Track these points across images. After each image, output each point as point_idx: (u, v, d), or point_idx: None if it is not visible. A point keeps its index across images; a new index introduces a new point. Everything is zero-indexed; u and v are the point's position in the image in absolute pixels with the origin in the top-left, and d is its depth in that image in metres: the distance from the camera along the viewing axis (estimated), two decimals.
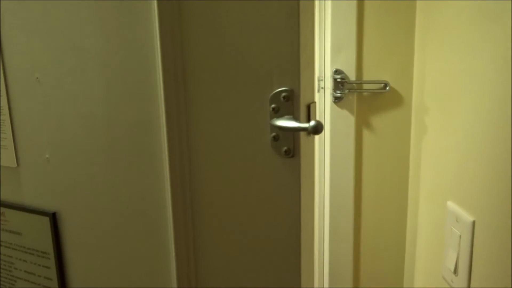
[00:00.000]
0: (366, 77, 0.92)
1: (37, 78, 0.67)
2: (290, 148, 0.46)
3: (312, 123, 0.41)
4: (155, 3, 0.50)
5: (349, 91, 0.92)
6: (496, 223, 0.57)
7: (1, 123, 0.73)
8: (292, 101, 0.45)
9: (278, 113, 0.46)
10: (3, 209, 0.78)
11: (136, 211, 0.63)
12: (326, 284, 1.03)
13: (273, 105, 0.46)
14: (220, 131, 0.50)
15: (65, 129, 0.66)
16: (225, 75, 0.48)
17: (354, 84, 0.92)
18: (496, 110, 0.56)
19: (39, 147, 0.70)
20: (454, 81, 0.70)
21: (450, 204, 0.72)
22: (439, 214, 0.78)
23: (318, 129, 0.41)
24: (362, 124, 0.94)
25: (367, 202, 0.98)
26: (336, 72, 0.91)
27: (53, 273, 0.74)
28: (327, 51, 0.94)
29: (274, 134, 0.46)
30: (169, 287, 0.63)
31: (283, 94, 0.45)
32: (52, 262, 0.73)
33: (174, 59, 0.50)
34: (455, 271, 0.70)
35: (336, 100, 0.94)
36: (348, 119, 0.93)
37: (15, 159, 0.73)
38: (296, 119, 0.45)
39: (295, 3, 0.43)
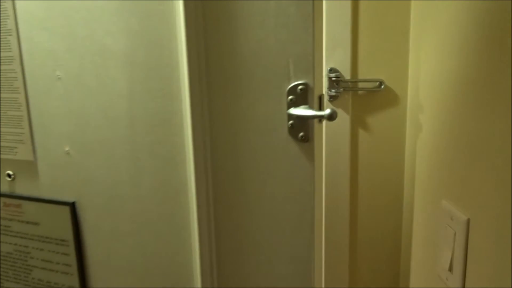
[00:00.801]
0: (361, 75, 0.92)
1: (58, 75, 0.70)
2: (305, 134, 0.52)
3: (328, 111, 0.48)
4: (180, 3, 0.56)
5: (344, 90, 0.92)
6: (491, 221, 0.58)
7: (19, 119, 0.76)
8: (307, 93, 0.52)
9: (295, 103, 0.52)
10: (19, 201, 0.81)
11: (157, 198, 0.68)
12: (322, 284, 1.03)
13: (290, 97, 0.52)
14: (241, 121, 0.55)
15: (86, 123, 0.70)
16: (246, 71, 0.54)
17: (349, 83, 0.91)
18: (490, 109, 0.56)
19: (59, 140, 0.74)
20: (448, 79, 0.71)
21: (445, 202, 0.72)
22: (434, 212, 0.78)
23: (333, 116, 0.47)
24: (357, 122, 0.94)
25: (362, 200, 0.98)
26: (331, 70, 0.91)
27: (72, 259, 0.77)
28: (322, 50, 0.96)
29: (291, 122, 0.53)
30: (190, 270, 0.68)
31: (300, 87, 0.51)
32: (71, 249, 0.77)
33: (198, 58, 0.55)
34: (450, 269, 0.69)
35: (331, 99, 0.94)
36: (343, 117, 0.93)
37: (32, 153, 0.77)
38: (311, 108, 0.51)
39: (310, 6, 0.49)
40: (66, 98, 0.71)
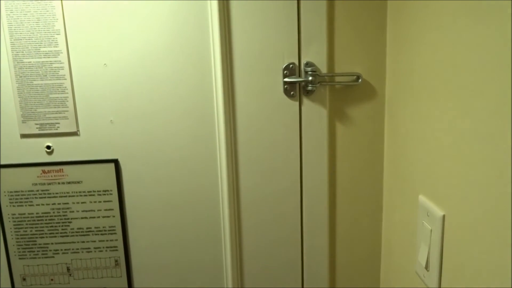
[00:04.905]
0: (338, 69, 0.90)
1: (105, 64, 0.93)
2: (294, 93, 0.89)
3: (310, 77, 0.85)
4: (215, 11, 0.85)
5: (320, 84, 0.89)
6: (466, 217, 0.58)
7: (63, 100, 0.95)
8: (295, 69, 0.88)
9: (288, 75, 0.88)
10: (60, 167, 0.98)
11: (190, 145, 0.91)
12: (301, 284, 1.02)
13: (285, 71, 0.88)
14: (257, 86, 0.90)
15: (129, 99, 0.93)
16: (260, 58, 0.89)
17: (325, 77, 0.89)
18: (466, 104, 0.57)
19: (103, 113, 0.94)
20: (425, 74, 0.70)
21: (422, 198, 0.72)
22: (412, 208, 0.79)
23: (313, 81, 0.85)
24: (335, 117, 0.93)
25: (341, 197, 0.97)
26: (307, 64, 0.88)
27: (115, 204, 0.98)
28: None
29: (286, 86, 0.89)
30: (217, 198, 0.98)
31: (291, 65, 0.88)
32: (114, 197, 0.98)
33: (226, 52, 0.88)
34: (427, 267, 0.69)
35: (308, 93, 0.91)
36: (321, 112, 0.92)
37: (75, 126, 0.96)
38: (298, 77, 0.88)
39: (295, 23, 0.86)
40: (112, 81, 0.93)
